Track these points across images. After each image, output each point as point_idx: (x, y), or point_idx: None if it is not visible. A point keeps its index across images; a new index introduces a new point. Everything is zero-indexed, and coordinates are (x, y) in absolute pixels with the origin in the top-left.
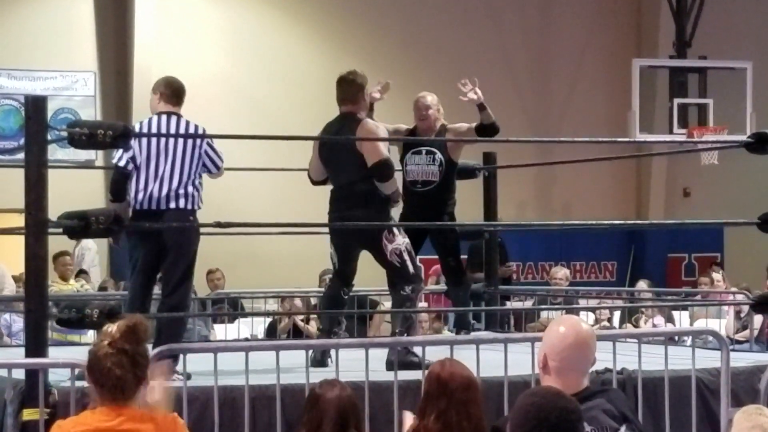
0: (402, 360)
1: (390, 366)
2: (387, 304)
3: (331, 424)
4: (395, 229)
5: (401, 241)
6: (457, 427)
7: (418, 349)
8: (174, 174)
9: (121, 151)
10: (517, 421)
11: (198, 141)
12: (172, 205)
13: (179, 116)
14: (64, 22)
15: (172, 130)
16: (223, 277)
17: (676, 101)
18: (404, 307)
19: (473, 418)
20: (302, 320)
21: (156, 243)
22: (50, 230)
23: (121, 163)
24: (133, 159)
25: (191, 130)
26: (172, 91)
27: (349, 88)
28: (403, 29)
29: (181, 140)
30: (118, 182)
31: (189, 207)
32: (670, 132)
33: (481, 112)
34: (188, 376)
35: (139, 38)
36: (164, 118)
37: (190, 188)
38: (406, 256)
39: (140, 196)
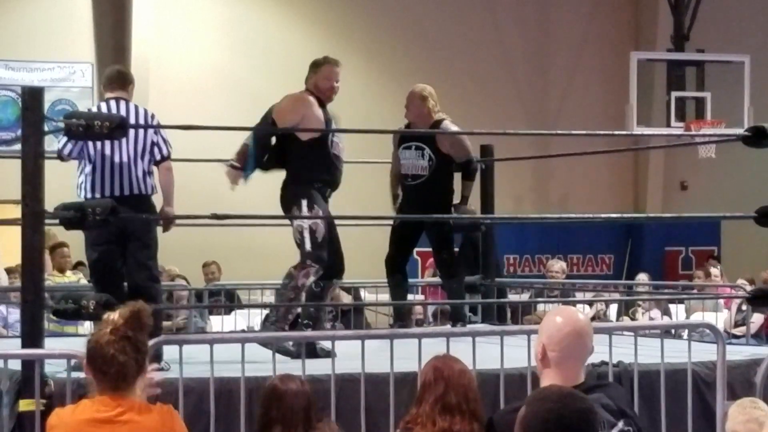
0: (281, 347)
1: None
2: (382, 296)
3: (300, 419)
4: (304, 205)
5: (307, 221)
6: (457, 409)
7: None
8: (131, 160)
9: (65, 139)
10: (527, 419)
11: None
12: (135, 190)
13: (128, 101)
14: (62, 13)
15: (124, 115)
16: (219, 269)
17: (674, 94)
18: (285, 294)
19: (471, 402)
20: None
21: (120, 229)
22: (47, 221)
23: (66, 151)
24: (85, 146)
25: (141, 114)
26: (106, 78)
27: None
28: (401, 22)
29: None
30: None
31: (148, 192)
32: (668, 125)
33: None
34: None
35: (137, 30)
36: (113, 103)
37: (146, 174)
38: (306, 234)
39: (98, 183)
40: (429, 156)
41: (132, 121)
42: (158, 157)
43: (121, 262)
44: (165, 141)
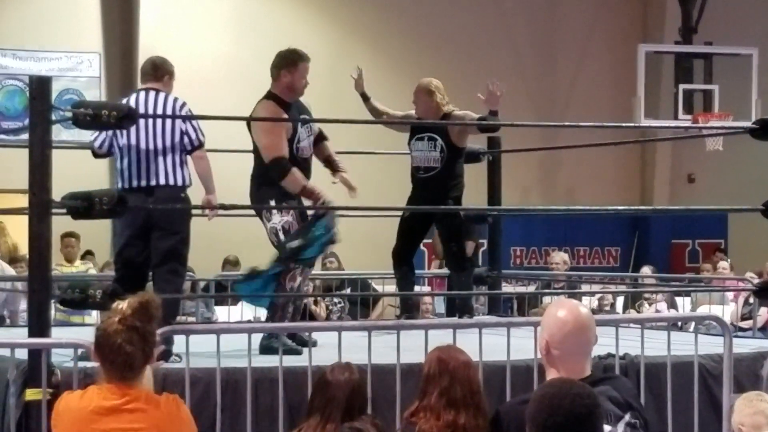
0: (266, 344)
1: (262, 350)
2: (388, 287)
3: (339, 412)
4: (273, 203)
5: (278, 220)
6: (462, 403)
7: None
8: (160, 151)
9: (97, 132)
10: (533, 412)
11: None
12: (162, 181)
13: (158, 91)
14: (70, 3)
15: (150, 106)
16: (240, 263)
17: (682, 87)
18: (277, 305)
19: (475, 395)
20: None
21: (145, 222)
22: (54, 211)
23: (96, 144)
24: (114, 138)
25: (169, 104)
26: (141, 69)
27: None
28: (408, 13)
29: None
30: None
31: (179, 183)
32: (675, 118)
33: (490, 114)
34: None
35: (145, 19)
36: (142, 93)
37: (177, 165)
38: (281, 235)
39: (126, 174)
40: (441, 147)
41: (160, 111)
42: (189, 147)
43: (146, 254)
44: (196, 129)
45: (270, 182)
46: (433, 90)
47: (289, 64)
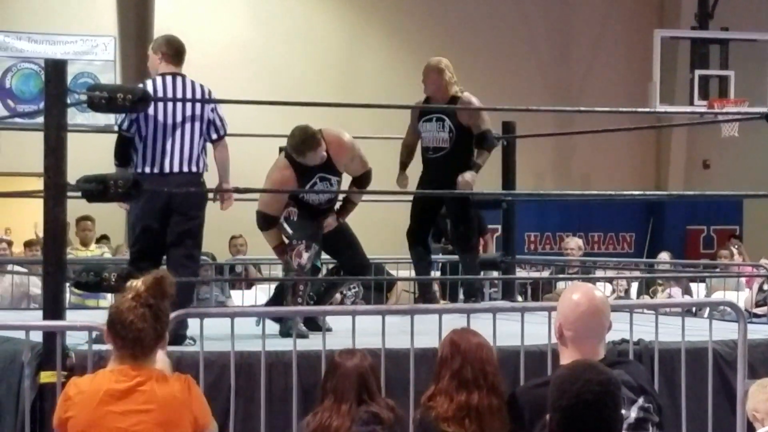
0: (284, 331)
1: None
2: (402, 272)
3: (352, 392)
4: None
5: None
6: (473, 384)
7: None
8: (184, 137)
9: (123, 114)
10: (550, 392)
11: (206, 104)
12: (185, 168)
13: (184, 77)
14: None
15: (179, 92)
16: (246, 243)
17: (698, 73)
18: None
19: (489, 375)
20: None
21: (163, 207)
22: (69, 194)
23: (124, 126)
24: (137, 121)
25: (198, 91)
26: (174, 51)
27: None
28: None
29: (189, 103)
30: (122, 146)
31: (198, 170)
32: (691, 103)
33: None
34: (194, 342)
35: (159, 3)
36: (169, 79)
37: (198, 152)
38: (285, 225)
39: (148, 159)
40: (450, 128)
41: (189, 96)
42: (214, 136)
43: (162, 239)
44: (222, 119)
45: None
46: (443, 68)
47: (311, 146)
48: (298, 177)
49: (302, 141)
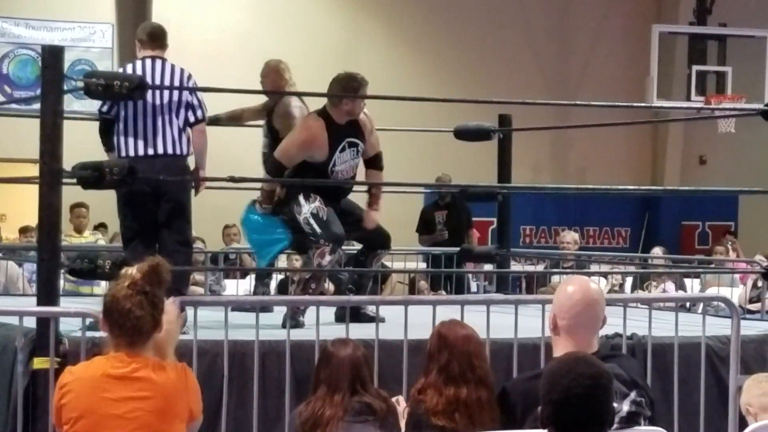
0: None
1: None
2: (397, 264)
3: (345, 382)
4: (301, 198)
5: (307, 209)
6: (461, 378)
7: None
8: (165, 119)
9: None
10: (542, 387)
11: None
12: (169, 150)
13: (164, 60)
14: None
15: (158, 75)
16: (240, 232)
17: (695, 68)
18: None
19: (477, 369)
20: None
21: (153, 189)
22: (64, 181)
23: (104, 109)
24: (117, 104)
25: (177, 75)
26: (148, 36)
27: None
28: None
29: (168, 85)
30: (105, 129)
31: (182, 153)
32: (688, 99)
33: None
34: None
35: None
36: (149, 62)
37: (179, 133)
38: (312, 221)
39: (131, 142)
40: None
41: (167, 81)
42: (192, 119)
43: (153, 223)
44: (200, 102)
45: (293, 175)
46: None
47: (351, 91)
48: (329, 135)
49: (357, 76)
